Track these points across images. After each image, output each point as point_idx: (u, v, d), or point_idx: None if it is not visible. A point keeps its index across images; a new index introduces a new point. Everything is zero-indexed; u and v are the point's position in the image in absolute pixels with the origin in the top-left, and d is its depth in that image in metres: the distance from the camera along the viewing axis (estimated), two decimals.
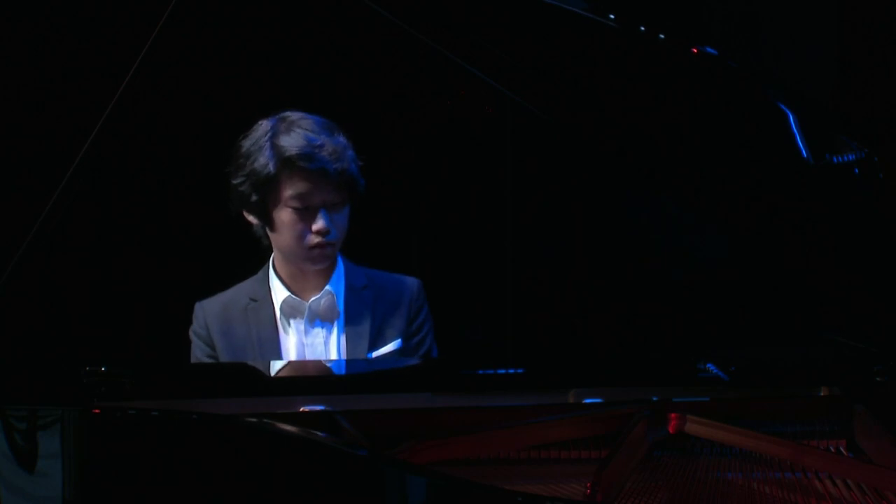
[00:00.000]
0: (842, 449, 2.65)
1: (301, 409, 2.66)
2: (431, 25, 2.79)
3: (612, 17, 2.68)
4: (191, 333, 3.17)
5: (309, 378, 3.00)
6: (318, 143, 3.05)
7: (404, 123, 3.64)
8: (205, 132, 3.38)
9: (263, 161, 3.05)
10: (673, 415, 2.61)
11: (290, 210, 3.07)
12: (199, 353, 3.16)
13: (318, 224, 3.07)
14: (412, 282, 3.26)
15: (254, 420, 2.39)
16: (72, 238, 3.29)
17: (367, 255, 3.23)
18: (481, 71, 2.84)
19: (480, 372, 2.94)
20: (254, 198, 3.08)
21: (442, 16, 2.79)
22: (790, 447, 2.49)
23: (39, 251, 2.57)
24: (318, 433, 2.37)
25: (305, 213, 3.07)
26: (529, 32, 2.76)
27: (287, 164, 3.05)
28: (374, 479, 2.17)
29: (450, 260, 3.73)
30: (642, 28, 2.70)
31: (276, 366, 3.09)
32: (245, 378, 2.97)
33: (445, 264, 3.72)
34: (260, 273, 3.18)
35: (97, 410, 2.41)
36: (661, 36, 2.71)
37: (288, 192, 3.06)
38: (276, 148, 3.04)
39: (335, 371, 3.11)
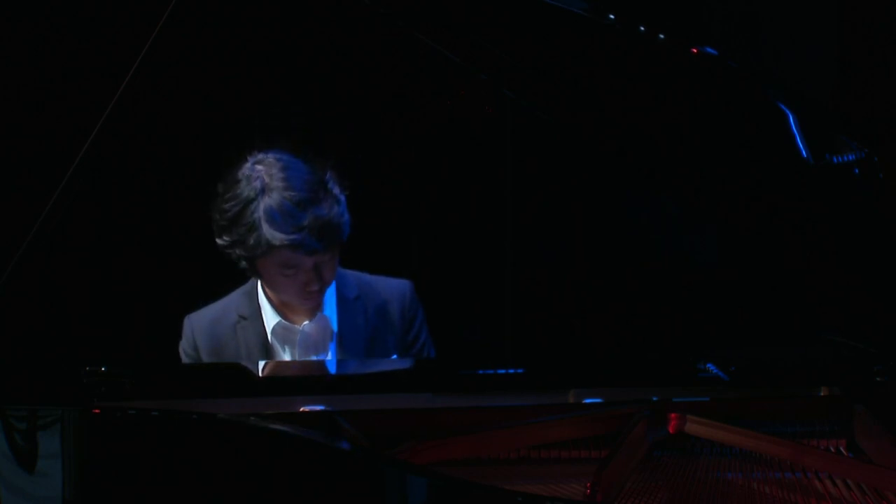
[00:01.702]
0: (842, 449, 2.65)
1: (301, 409, 2.66)
2: (431, 25, 2.79)
3: (612, 17, 2.68)
4: (180, 350, 3.16)
5: (309, 378, 3.00)
6: (304, 222, 2.96)
7: (404, 123, 3.64)
8: (205, 132, 3.38)
9: (254, 240, 2.97)
10: (673, 415, 2.61)
11: (281, 275, 3.03)
12: None
13: (312, 286, 3.04)
14: (404, 287, 3.21)
15: (254, 420, 2.39)
16: (72, 238, 3.29)
17: (367, 257, 3.22)
18: (481, 71, 2.84)
19: (480, 372, 2.94)
20: (243, 264, 3.04)
21: (442, 16, 2.79)
22: (790, 447, 2.49)
23: (39, 251, 2.57)
24: (318, 433, 2.37)
25: (297, 274, 3.02)
26: (529, 32, 2.76)
27: (277, 246, 2.99)
28: (374, 479, 2.17)
29: (449, 260, 3.73)
30: (642, 28, 2.70)
31: (274, 366, 3.09)
32: (245, 378, 2.97)
33: (445, 264, 3.72)
34: (248, 286, 3.14)
35: (97, 410, 2.40)
36: (661, 36, 2.71)
37: (280, 262, 3.01)
38: (265, 230, 2.96)
39: (335, 371, 3.10)
